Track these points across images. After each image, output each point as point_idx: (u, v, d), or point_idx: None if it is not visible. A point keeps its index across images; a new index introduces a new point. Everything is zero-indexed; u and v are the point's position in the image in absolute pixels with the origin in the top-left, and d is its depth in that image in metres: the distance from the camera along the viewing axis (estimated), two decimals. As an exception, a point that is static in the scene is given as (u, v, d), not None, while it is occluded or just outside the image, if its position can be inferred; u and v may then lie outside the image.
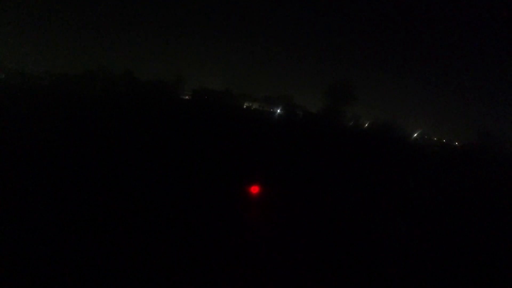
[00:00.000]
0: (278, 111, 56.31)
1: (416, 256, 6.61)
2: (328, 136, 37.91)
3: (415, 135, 67.79)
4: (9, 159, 9.06)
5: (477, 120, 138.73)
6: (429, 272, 5.97)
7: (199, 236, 5.95)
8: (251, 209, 7.98)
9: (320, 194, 10.52)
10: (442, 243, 7.72)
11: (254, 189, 9.77)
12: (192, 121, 30.01)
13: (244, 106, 62.97)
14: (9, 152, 9.84)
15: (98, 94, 55.21)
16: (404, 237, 7.60)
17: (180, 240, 5.69)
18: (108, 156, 11.08)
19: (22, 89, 46.01)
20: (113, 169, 9.44)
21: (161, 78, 60.68)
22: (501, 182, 23.59)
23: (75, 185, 7.56)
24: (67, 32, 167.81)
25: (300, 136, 32.70)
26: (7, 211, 5.65)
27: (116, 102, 42.61)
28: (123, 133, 17.07)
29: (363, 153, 27.14)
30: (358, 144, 34.38)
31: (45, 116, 19.97)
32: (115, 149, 12.37)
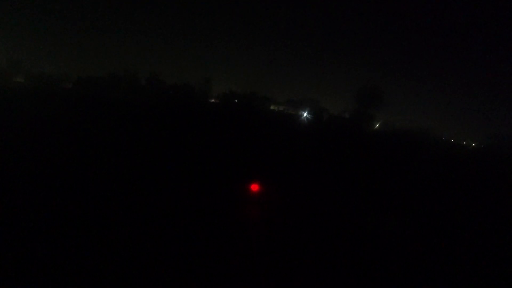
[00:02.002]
0: (305, 114, 57.71)
1: (427, 259, 6.58)
2: (355, 138, 39.28)
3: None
4: (33, 162, 9.02)
5: (485, 122, 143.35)
6: (439, 274, 5.96)
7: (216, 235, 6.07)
8: (257, 208, 8.29)
9: (336, 196, 10.73)
10: (456, 246, 7.74)
11: (260, 189, 9.92)
12: (225, 126, 29.48)
13: (276, 110, 63.97)
14: (33, 156, 9.79)
15: (123, 97, 54.63)
16: (410, 238, 7.59)
17: (186, 238, 5.80)
18: (133, 160, 11.11)
19: (42, 93, 44.33)
20: (138, 172, 9.59)
21: (186, 81, 60.84)
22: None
23: (96, 188, 7.65)
24: (91, 34, 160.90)
25: (326, 138, 33.38)
26: (29, 216, 5.80)
27: (142, 105, 41.96)
28: (148, 137, 16.71)
29: (386, 154, 28.04)
30: (380, 145, 35.55)
31: (68, 120, 19.48)
32: (139, 153, 12.35)
